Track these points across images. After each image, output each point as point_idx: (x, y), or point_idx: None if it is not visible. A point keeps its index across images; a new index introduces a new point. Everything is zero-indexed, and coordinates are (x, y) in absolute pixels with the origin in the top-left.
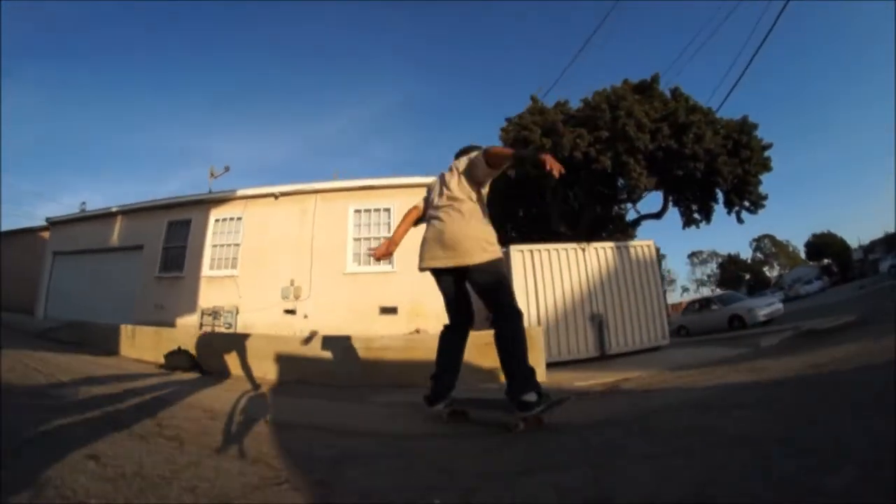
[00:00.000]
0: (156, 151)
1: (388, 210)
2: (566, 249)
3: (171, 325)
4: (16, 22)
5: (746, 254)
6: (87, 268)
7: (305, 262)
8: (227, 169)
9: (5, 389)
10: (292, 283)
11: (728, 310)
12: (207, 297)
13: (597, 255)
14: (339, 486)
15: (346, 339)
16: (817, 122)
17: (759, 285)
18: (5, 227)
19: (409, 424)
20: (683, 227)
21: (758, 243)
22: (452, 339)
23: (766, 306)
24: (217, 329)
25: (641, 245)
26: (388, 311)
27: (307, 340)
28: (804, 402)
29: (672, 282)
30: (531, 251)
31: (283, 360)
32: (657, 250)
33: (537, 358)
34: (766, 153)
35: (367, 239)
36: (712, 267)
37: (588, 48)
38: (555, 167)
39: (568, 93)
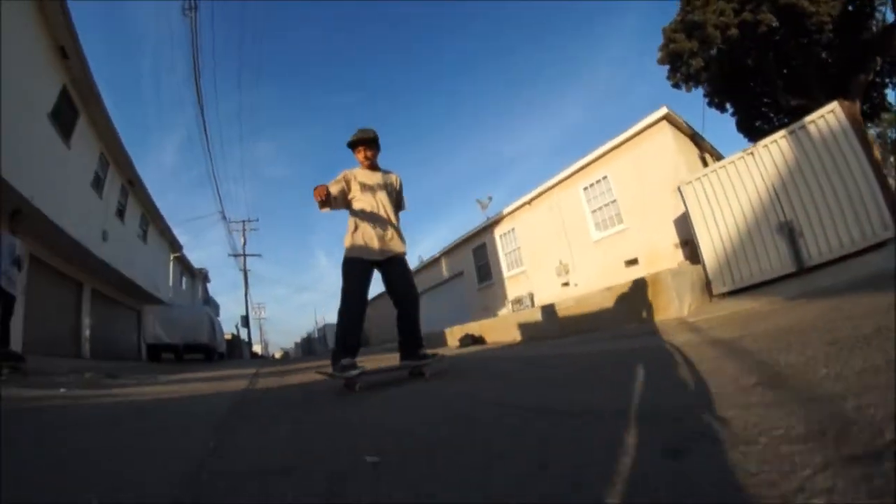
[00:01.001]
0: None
1: (605, 178)
2: (733, 162)
3: (495, 317)
4: None
5: None
6: (431, 295)
7: (564, 243)
8: (490, 199)
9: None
10: (560, 262)
11: None
12: (511, 291)
13: (770, 153)
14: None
15: (550, 306)
16: None
17: None
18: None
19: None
20: None
21: None
22: (363, 311)
23: None
24: (518, 311)
25: (821, 116)
26: (631, 262)
27: (528, 309)
28: None
29: None
30: (698, 180)
31: (522, 327)
32: (858, 112)
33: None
34: None
35: (599, 209)
36: None
37: None
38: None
39: None
